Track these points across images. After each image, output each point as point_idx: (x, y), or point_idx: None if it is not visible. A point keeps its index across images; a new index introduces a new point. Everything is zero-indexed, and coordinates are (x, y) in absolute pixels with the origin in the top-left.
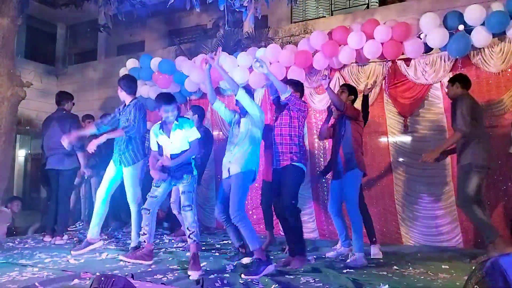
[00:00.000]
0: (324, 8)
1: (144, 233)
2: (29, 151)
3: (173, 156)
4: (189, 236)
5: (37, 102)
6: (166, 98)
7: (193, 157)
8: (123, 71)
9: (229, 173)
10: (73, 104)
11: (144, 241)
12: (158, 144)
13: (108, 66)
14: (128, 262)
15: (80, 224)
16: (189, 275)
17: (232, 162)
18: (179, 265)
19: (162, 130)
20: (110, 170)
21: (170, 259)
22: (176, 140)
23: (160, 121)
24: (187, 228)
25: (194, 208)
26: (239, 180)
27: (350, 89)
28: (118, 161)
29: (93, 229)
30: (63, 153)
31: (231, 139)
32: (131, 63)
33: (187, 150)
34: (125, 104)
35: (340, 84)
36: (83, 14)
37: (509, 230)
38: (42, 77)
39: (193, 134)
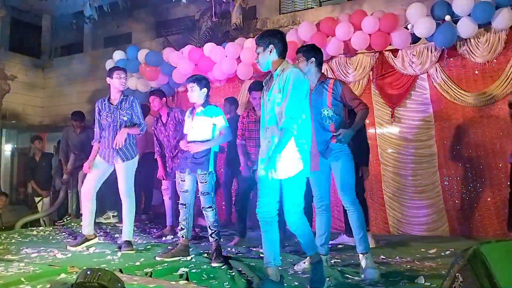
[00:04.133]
0: None
1: (182, 228)
2: (16, 146)
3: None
4: (211, 235)
5: (23, 95)
6: (192, 76)
7: (216, 150)
8: (109, 63)
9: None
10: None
11: (182, 236)
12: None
13: (95, 59)
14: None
15: (68, 218)
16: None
17: None
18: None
19: (190, 114)
20: (100, 168)
21: (158, 251)
22: (197, 126)
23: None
24: (209, 227)
25: (215, 209)
26: None
27: (308, 52)
28: (113, 157)
29: (89, 226)
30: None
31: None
32: (118, 55)
33: (213, 138)
34: (109, 97)
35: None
36: (69, 5)
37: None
38: (27, 70)
39: (220, 122)
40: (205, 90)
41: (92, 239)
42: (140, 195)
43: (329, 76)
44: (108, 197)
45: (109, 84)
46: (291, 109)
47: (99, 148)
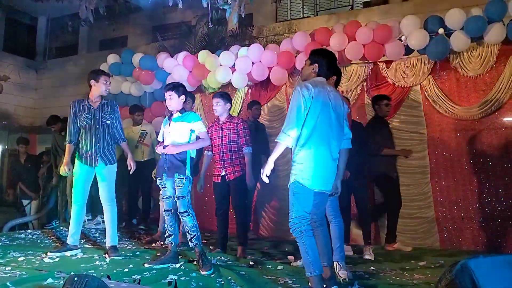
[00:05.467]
0: (309, 8)
1: (169, 234)
2: (6, 146)
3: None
4: (190, 240)
5: (15, 96)
6: (170, 84)
7: (192, 156)
8: (104, 66)
9: None
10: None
11: (171, 243)
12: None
13: (90, 61)
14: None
15: (56, 222)
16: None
17: None
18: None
19: (168, 120)
20: (83, 173)
21: (147, 257)
22: (174, 131)
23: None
24: (188, 232)
25: (192, 213)
26: None
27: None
28: (96, 161)
29: (76, 236)
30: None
31: None
32: (112, 58)
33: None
34: (88, 98)
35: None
36: (65, 7)
37: None
38: (20, 71)
39: (199, 127)
40: (183, 97)
41: (75, 249)
42: (134, 200)
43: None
44: (98, 202)
45: (91, 86)
46: (285, 123)
47: (79, 152)
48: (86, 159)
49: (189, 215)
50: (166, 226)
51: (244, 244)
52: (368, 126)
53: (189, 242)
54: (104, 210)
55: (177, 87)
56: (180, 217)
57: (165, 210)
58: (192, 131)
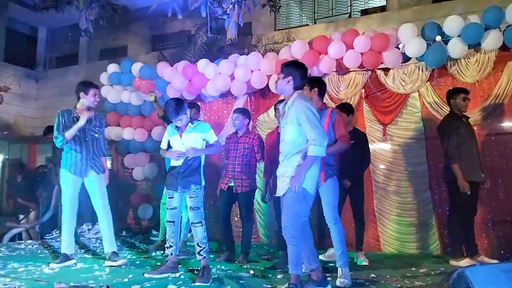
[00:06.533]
0: (307, 16)
1: (170, 245)
2: (7, 156)
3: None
4: (199, 253)
5: (16, 106)
6: (172, 109)
7: (203, 164)
8: (104, 76)
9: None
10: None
11: (171, 254)
12: (169, 143)
13: (90, 71)
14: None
15: (57, 232)
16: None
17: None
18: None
19: (177, 130)
20: (72, 182)
21: (147, 267)
22: (187, 142)
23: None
24: (197, 244)
25: (204, 224)
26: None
27: (311, 83)
28: (86, 171)
29: (71, 244)
30: None
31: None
32: (112, 67)
33: (211, 145)
34: (76, 109)
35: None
36: (65, 18)
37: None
38: (21, 81)
39: (212, 136)
40: (188, 111)
41: (72, 258)
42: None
43: (327, 106)
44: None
45: (79, 97)
46: (314, 137)
47: (66, 162)
48: (76, 169)
49: (202, 225)
50: (167, 236)
51: (246, 253)
52: (441, 126)
53: (197, 255)
54: (100, 217)
55: (181, 108)
56: (192, 227)
57: (167, 221)
58: (204, 140)
